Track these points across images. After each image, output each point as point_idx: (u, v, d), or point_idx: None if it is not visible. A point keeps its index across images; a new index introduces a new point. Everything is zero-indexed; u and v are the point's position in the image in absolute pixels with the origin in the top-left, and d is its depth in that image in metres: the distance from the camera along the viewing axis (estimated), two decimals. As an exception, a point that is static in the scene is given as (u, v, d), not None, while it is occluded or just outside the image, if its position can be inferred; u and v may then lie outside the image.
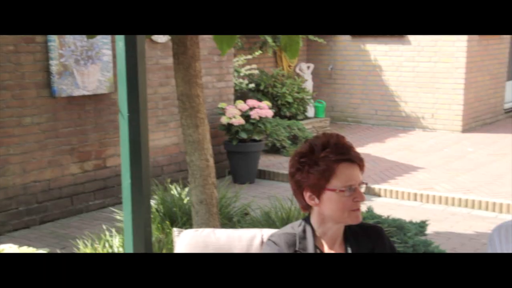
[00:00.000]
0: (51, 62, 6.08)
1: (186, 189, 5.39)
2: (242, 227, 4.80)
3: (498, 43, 11.50)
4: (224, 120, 7.67)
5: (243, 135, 7.67)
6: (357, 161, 2.14)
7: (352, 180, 2.11)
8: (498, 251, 2.15)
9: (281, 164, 8.33)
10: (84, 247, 4.38)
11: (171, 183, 5.86)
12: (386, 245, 2.23)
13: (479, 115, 11.27)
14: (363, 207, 4.68)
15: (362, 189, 2.13)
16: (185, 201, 5.31)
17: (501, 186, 7.24)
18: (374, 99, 11.42)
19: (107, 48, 6.51)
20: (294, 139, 9.02)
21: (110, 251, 4.27)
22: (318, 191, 2.12)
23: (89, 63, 6.36)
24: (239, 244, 2.39)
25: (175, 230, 2.48)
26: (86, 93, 6.39)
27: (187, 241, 2.41)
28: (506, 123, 11.71)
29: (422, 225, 5.16)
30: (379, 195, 7.29)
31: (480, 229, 6.02)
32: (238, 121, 7.60)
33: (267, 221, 4.83)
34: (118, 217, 5.26)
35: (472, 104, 10.91)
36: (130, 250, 2.87)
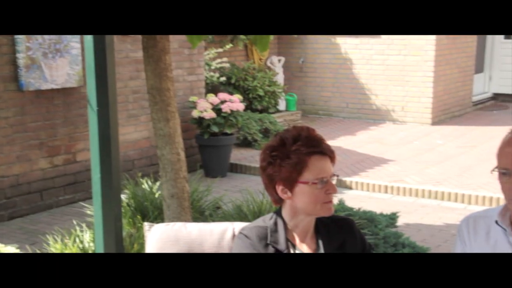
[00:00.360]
0: (18, 55, 5.98)
1: (158, 183, 5.36)
2: (214, 220, 4.79)
3: (466, 37, 11.64)
4: (195, 113, 7.64)
5: (215, 129, 7.65)
6: (328, 153, 2.14)
7: (324, 173, 2.12)
8: (467, 242, 2.18)
9: (252, 157, 8.33)
10: (54, 243, 4.33)
11: (142, 177, 5.82)
12: (357, 237, 2.24)
13: (448, 107, 11.40)
14: (335, 200, 4.72)
15: (334, 181, 2.14)
16: (156, 195, 5.28)
17: (470, 178, 7.34)
18: (345, 92, 11.48)
19: (76, 41, 6.43)
20: (265, 132, 9.03)
21: (80, 246, 4.23)
22: (290, 184, 2.12)
23: (57, 56, 6.27)
24: (210, 238, 2.38)
25: (146, 225, 2.46)
26: (54, 86, 6.30)
27: (158, 235, 2.40)
28: (474, 116, 11.87)
29: (392, 217, 5.20)
30: (350, 188, 7.33)
31: (450, 221, 6.10)
32: (209, 114, 7.57)
33: (239, 215, 4.83)
34: (88, 212, 5.22)
35: (441, 97, 11.03)
36: (100, 245, 2.85)
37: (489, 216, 2.15)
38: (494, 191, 6.56)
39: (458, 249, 2.20)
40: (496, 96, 13.41)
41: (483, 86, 13.33)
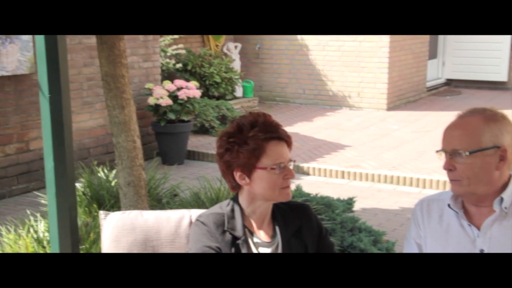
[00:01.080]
0: (-33, 41, 5.82)
1: (114, 172, 5.30)
2: (171, 208, 4.76)
3: (421, 23, 11.78)
4: (151, 100, 7.56)
5: (171, 116, 7.59)
6: (285, 138, 2.15)
7: (281, 158, 2.12)
8: (421, 225, 2.21)
9: (210, 144, 8.30)
10: (7, 233, 4.24)
11: (98, 165, 5.74)
12: (313, 223, 2.25)
13: (403, 93, 11.55)
14: (292, 186, 4.73)
15: (291, 166, 2.15)
16: (112, 184, 5.21)
17: (424, 163, 7.46)
18: (302, 78, 11.52)
19: (28, 27, 6.27)
20: (222, 119, 9.00)
21: (35, 236, 4.15)
22: (248, 170, 2.12)
23: (7, 43, 6.11)
24: (167, 225, 2.37)
25: (101, 213, 2.43)
26: (5, 73, 6.15)
27: (113, 223, 2.37)
28: (428, 101, 12.06)
29: (349, 202, 5.24)
30: (307, 174, 7.37)
31: (405, 205, 6.20)
32: (166, 101, 7.51)
33: (196, 202, 4.81)
34: (43, 201, 5.12)
35: (396, 82, 11.17)
36: (55, 234, 2.80)
37: (442, 200, 2.19)
38: (447, 175, 6.68)
39: (413, 233, 2.23)
40: (450, 82, 13.66)
41: (436, 72, 13.55)
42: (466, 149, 2.00)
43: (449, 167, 2.05)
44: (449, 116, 2.12)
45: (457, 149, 2.02)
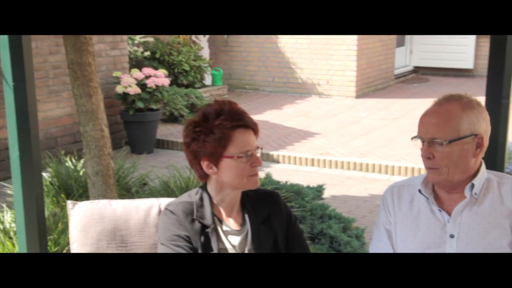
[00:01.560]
0: None
1: (82, 161, 5.24)
2: (140, 197, 4.73)
3: (389, 11, 11.84)
4: (119, 89, 7.48)
5: (140, 104, 7.53)
6: (251, 126, 2.14)
7: (248, 146, 2.11)
8: (391, 211, 2.22)
9: (179, 133, 8.26)
10: (-28, 225, 4.17)
11: (66, 155, 5.67)
12: (282, 210, 2.25)
13: (371, 81, 11.62)
14: (262, 173, 4.72)
15: (258, 153, 2.14)
16: (81, 173, 5.16)
17: (393, 149, 7.53)
18: (271, 66, 11.51)
19: (-9, 15, 6.15)
20: (192, 107, 8.96)
21: (1, 227, 4.10)
22: (215, 159, 2.11)
23: (-29, 30, 5.98)
24: (136, 215, 2.35)
25: (69, 203, 2.40)
26: (-31, 62, 6.02)
27: (81, 213, 2.34)
28: (396, 88, 12.16)
29: (319, 190, 5.27)
30: (277, 162, 7.39)
31: (374, 191, 6.25)
32: (134, 90, 7.44)
33: (166, 191, 4.79)
34: (9, 192, 5.04)
35: (364, 70, 11.23)
36: (22, 225, 2.77)
37: (413, 185, 2.20)
38: (415, 161, 6.76)
39: (382, 219, 2.24)
40: (417, 69, 13.79)
41: (404, 60, 13.66)
42: (445, 138, 2.00)
43: (428, 155, 2.04)
44: (416, 104, 2.13)
45: (436, 137, 2.01)
